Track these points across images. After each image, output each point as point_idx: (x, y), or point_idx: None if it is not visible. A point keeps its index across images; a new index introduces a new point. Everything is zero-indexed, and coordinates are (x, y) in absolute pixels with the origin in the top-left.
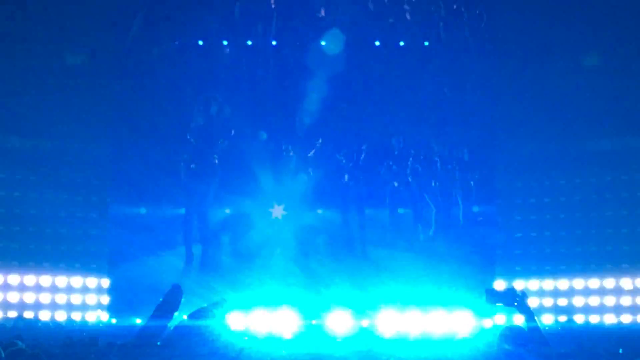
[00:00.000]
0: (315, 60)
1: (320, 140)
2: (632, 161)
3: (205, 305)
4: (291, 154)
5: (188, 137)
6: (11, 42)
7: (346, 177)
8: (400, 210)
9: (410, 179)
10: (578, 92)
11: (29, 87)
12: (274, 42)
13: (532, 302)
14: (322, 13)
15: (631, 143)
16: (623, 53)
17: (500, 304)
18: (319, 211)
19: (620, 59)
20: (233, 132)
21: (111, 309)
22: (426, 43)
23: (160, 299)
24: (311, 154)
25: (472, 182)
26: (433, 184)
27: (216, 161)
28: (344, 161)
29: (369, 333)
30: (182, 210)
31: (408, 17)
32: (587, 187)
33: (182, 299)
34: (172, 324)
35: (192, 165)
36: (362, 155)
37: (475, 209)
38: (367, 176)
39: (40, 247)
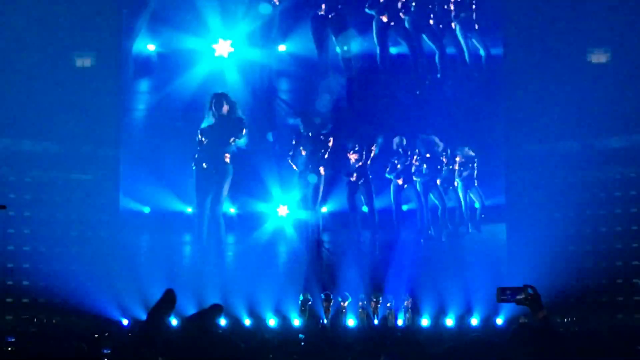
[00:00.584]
0: (321, 61)
1: (331, 139)
2: None
3: (201, 310)
4: (303, 153)
5: (199, 136)
6: (17, 45)
7: (355, 175)
8: (404, 207)
9: (415, 177)
10: (586, 88)
11: (37, 90)
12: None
13: (543, 299)
14: (323, 11)
15: None
16: (631, 50)
17: (512, 302)
18: (324, 209)
19: (629, 56)
20: (244, 131)
21: (122, 310)
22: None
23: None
24: (326, 155)
25: (476, 181)
26: (438, 182)
27: (227, 160)
28: (352, 160)
29: (380, 328)
30: (192, 210)
31: (402, 14)
32: (596, 185)
33: (177, 302)
34: (166, 327)
35: (204, 165)
36: (371, 154)
37: (479, 205)
38: (374, 174)
39: (50, 250)
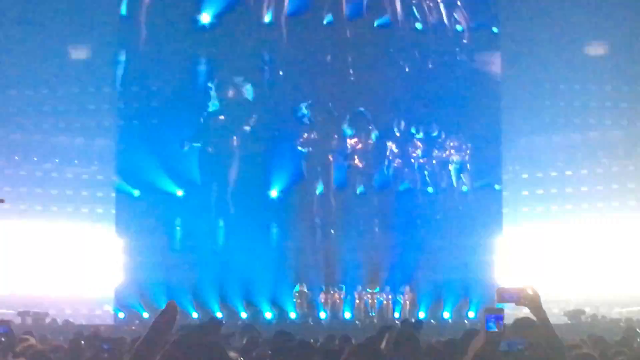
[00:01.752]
0: (318, 41)
1: (324, 118)
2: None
3: (201, 324)
4: (313, 136)
5: (201, 120)
6: (14, 38)
7: (356, 158)
8: (401, 188)
9: (412, 160)
10: (583, 81)
11: (30, 82)
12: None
13: (543, 300)
14: None
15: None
16: (628, 43)
17: (512, 302)
18: (317, 191)
19: (626, 49)
20: (254, 118)
21: (119, 303)
22: (419, 26)
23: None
24: (334, 140)
25: (468, 165)
26: (434, 162)
27: (235, 143)
28: (352, 144)
29: (379, 314)
30: (183, 194)
31: None
32: (593, 178)
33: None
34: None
35: (210, 149)
36: (371, 136)
37: (467, 189)
38: (372, 157)
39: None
